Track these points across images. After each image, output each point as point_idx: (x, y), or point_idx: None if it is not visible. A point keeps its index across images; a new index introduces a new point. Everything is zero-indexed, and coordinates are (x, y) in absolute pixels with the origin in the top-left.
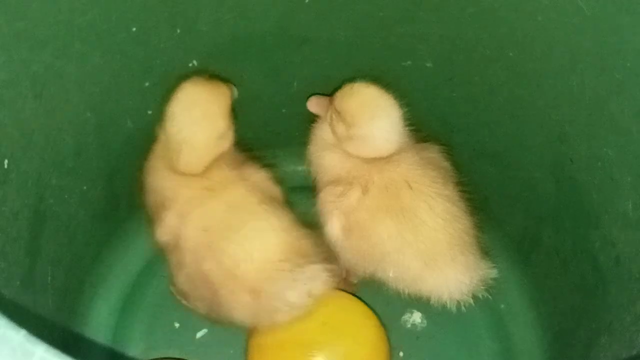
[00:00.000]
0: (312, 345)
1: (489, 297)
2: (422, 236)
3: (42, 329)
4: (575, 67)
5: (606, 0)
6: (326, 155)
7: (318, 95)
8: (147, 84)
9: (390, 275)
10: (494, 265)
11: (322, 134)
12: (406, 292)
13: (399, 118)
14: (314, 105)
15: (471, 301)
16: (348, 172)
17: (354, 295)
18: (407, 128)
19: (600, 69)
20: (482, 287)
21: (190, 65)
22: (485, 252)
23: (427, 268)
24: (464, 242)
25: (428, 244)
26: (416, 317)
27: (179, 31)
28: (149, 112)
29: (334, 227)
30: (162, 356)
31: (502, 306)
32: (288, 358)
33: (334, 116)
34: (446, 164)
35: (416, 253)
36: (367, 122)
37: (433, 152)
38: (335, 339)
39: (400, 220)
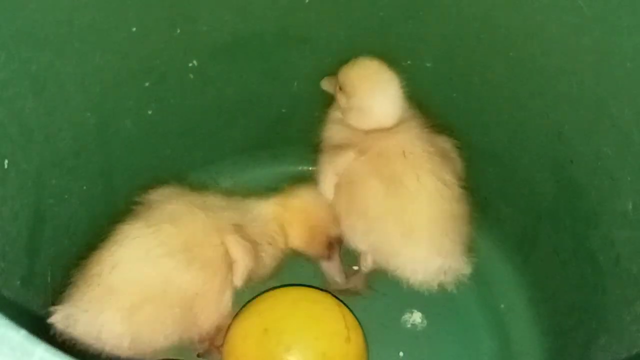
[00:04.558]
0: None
1: (489, 297)
2: (405, 205)
3: (42, 329)
4: (575, 67)
5: (606, 0)
6: (332, 127)
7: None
8: (147, 84)
9: (371, 241)
10: (472, 262)
11: (334, 111)
12: (382, 265)
13: (399, 92)
14: (326, 83)
15: (434, 287)
16: (349, 140)
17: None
18: (409, 104)
19: (600, 69)
20: (449, 279)
21: (190, 65)
22: (470, 248)
23: (403, 239)
24: (447, 225)
25: (410, 214)
26: (416, 317)
27: (179, 31)
28: (149, 112)
29: (326, 184)
30: (163, 357)
31: (502, 306)
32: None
33: (337, 89)
34: (454, 156)
35: (397, 221)
36: (365, 94)
37: (444, 143)
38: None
39: (388, 184)
